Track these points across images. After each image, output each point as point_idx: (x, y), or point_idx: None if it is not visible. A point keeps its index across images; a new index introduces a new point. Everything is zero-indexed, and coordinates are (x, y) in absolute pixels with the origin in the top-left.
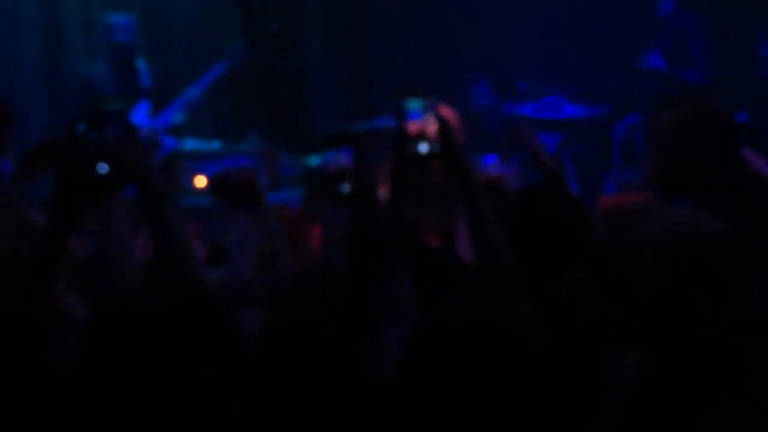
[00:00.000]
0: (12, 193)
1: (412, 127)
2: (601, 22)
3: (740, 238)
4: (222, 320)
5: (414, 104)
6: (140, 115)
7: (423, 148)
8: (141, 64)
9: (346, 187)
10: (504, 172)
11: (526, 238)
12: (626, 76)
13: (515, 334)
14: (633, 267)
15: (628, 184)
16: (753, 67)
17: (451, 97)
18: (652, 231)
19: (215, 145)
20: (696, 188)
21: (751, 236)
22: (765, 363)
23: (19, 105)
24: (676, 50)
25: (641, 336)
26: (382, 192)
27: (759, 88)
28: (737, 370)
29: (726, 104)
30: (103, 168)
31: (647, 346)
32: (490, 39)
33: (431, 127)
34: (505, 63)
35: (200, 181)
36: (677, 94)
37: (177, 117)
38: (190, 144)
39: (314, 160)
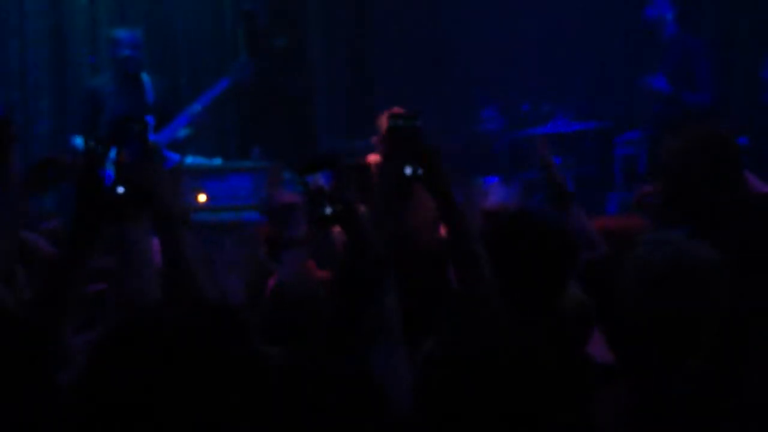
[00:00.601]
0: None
1: (314, 191)
2: (605, 44)
3: (726, 266)
4: (237, 336)
5: (310, 177)
6: None
7: (327, 210)
8: (146, 79)
9: (327, 209)
10: (506, 195)
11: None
12: (629, 96)
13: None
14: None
15: (629, 204)
16: (755, 90)
17: (456, 120)
18: (635, 254)
19: (217, 161)
20: (699, 212)
21: (750, 260)
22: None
23: (22, 117)
24: (680, 72)
25: (626, 361)
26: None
27: (761, 111)
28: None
29: (729, 128)
30: (120, 189)
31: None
32: (494, 59)
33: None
34: (509, 83)
35: (201, 198)
36: (681, 115)
37: (180, 132)
38: (192, 160)
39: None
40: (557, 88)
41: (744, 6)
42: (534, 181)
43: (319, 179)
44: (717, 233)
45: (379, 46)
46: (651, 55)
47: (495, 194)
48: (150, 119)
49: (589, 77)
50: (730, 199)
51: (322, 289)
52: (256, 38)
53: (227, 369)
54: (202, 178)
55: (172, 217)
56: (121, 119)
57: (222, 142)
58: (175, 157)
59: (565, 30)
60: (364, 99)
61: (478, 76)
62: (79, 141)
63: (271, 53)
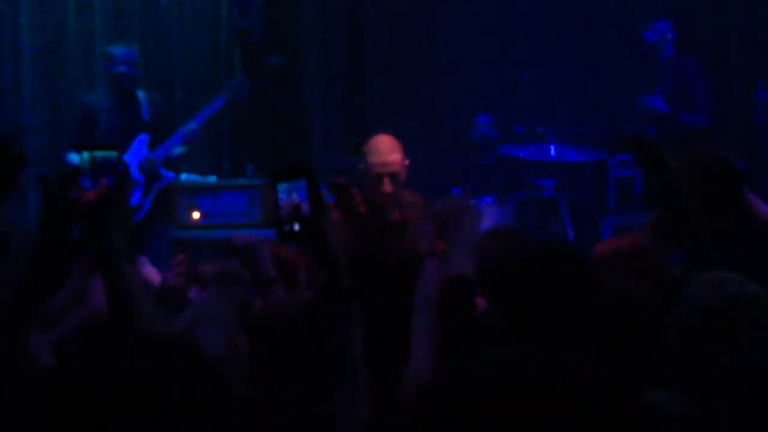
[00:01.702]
0: None
1: (285, 206)
2: (599, 65)
3: None
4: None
5: (282, 187)
6: (139, 147)
7: (295, 226)
8: (141, 95)
9: (295, 225)
10: (500, 216)
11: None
12: (623, 118)
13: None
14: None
15: (624, 228)
16: (750, 112)
17: (449, 130)
18: (688, 295)
19: (211, 179)
20: (700, 236)
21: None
22: None
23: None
24: (677, 93)
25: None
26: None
27: (755, 132)
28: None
29: (730, 150)
30: (74, 230)
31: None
32: (489, 79)
33: (300, 206)
34: (504, 103)
35: (195, 215)
36: (678, 135)
37: (175, 150)
38: (187, 177)
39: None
40: (550, 110)
41: (737, 28)
42: (526, 201)
43: (293, 191)
44: (721, 257)
45: (372, 63)
46: (646, 77)
47: (489, 215)
48: (144, 136)
49: (583, 101)
50: (732, 221)
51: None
52: (252, 57)
53: (170, 403)
54: (197, 195)
55: (110, 249)
56: (93, 147)
57: (216, 159)
58: (169, 174)
59: (560, 50)
60: (358, 117)
61: (472, 95)
62: (73, 157)
63: (266, 71)
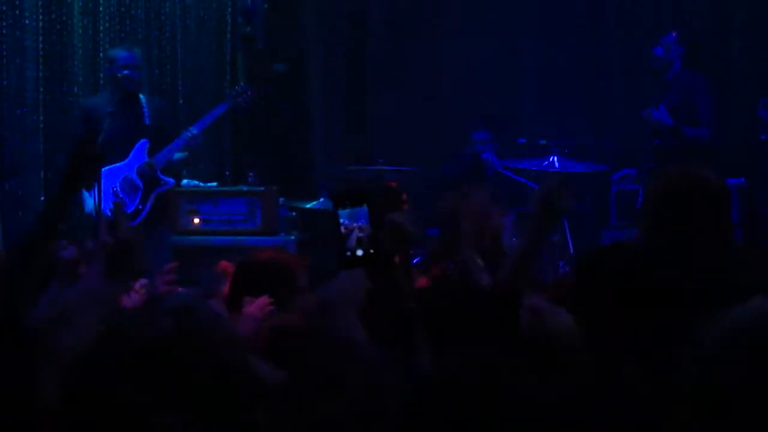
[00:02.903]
0: None
1: (345, 231)
2: (602, 80)
3: None
4: None
5: (344, 212)
6: (140, 152)
7: (359, 252)
8: (143, 100)
9: (358, 251)
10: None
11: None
12: (625, 133)
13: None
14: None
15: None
16: (753, 129)
17: (449, 144)
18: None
19: (212, 185)
20: (688, 255)
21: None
22: None
23: (18, 134)
24: (682, 107)
25: None
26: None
27: (759, 149)
28: None
29: (718, 170)
30: None
31: None
32: (491, 91)
33: (363, 231)
34: (505, 116)
35: (195, 221)
36: (682, 148)
37: (176, 155)
38: (188, 183)
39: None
40: (553, 122)
41: (740, 46)
42: (527, 214)
43: (355, 216)
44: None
45: (375, 72)
46: (651, 90)
47: None
48: (145, 141)
49: (586, 114)
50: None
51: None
52: (255, 63)
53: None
54: (197, 201)
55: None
56: None
57: (218, 166)
58: (169, 180)
59: (563, 63)
60: (360, 125)
61: (473, 106)
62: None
63: (269, 78)
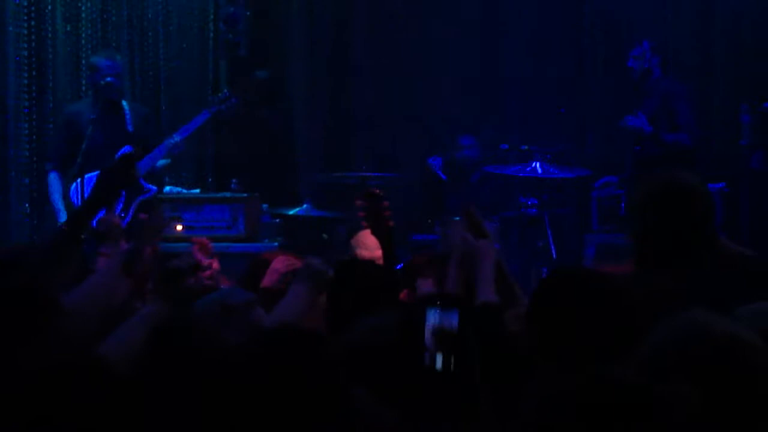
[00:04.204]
0: None
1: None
2: (584, 87)
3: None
4: None
5: (432, 312)
6: None
7: (437, 363)
8: (125, 107)
9: (438, 360)
10: None
11: None
12: (609, 138)
13: None
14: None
15: (607, 248)
16: (735, 134)
17: (433, 147)
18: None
19: (195, 192)
20: (672, 260)
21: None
22: None
23: (1, 141)
24: (661, 114)
25: None
26: None
27: (740, 153)
28: None
29: (699, 175)
30: None
31: None
32: (474, 97)
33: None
34: (488, 122)
35: (178, 228)
36: (662, 155)
37: (159, 162)
38: (171, 190)
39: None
40: (535, 129)
41: (721, 52)
42: (510, 219)
43: (443, 318)
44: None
45: (359, 78)
46: (631, 96)
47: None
48: (128, 148)
49: (568, 120)
50: (703, 248)
51: None
52: (238, 70)
53: None
54: (180, 207)
55: None
56: None
57: (201, 172)
58: (151, 188)
59: (545, 69)
60: (344, 132)
61: (457, 112)
62: (48, 165)
63: (253, 84)
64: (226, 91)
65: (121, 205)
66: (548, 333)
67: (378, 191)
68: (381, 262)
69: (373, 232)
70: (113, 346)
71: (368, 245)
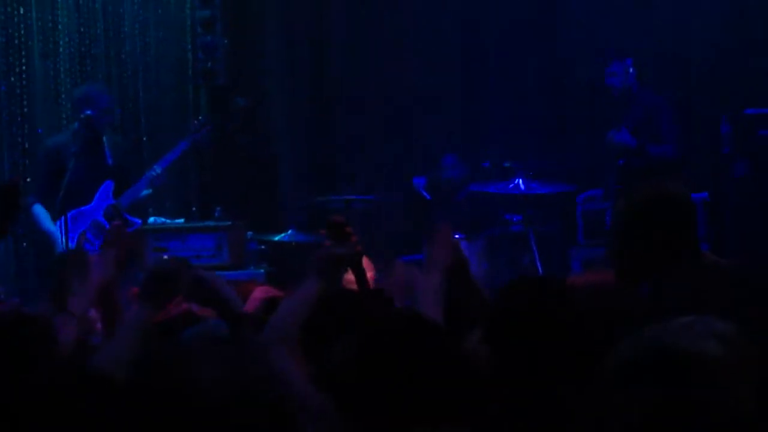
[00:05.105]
0: None
1: None
2: (566, 102)
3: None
4: None
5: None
6: (105, 194)
7: None
8: (105, 140)
9: None
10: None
11: None
12: (591, 152)
13: None
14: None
15: (593, 262)
16: (716, 144)
17: (417, 167)
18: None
19: (179, 221)
20: (655, 271)
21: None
22: None
23: None
24: (644, 127)
25: None
26: None
27: (721, 163)
28: None
29: (684, 185)
30: None
31: None
32: (455, 116)
33: None
34: (471, 140)
35: (164, 258)
36: (646, 168)
37: (142, 194)
38: (154, 220)
39: None
40: (517, 145)
41: (701, 64)
42: (495, 237)
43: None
44: (677, 292)
45: (340, 103)
46: (613, 110)
47: None
48: (109, 182)
49: (548, 135)
50: (685, 259)
51: None
52: (218, 98)
53: None
54: (165, 238)
55: None
56: None
57: (184, 202)
58: (136, 221)
59: (527, 84)
60: (327, 157)
61: (439, 129)
62: (30, 198)
63: (232, 113)
64: (201, 118)
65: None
66: (504, 346)
67: (339, 218)
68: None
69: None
70: (107, 355)
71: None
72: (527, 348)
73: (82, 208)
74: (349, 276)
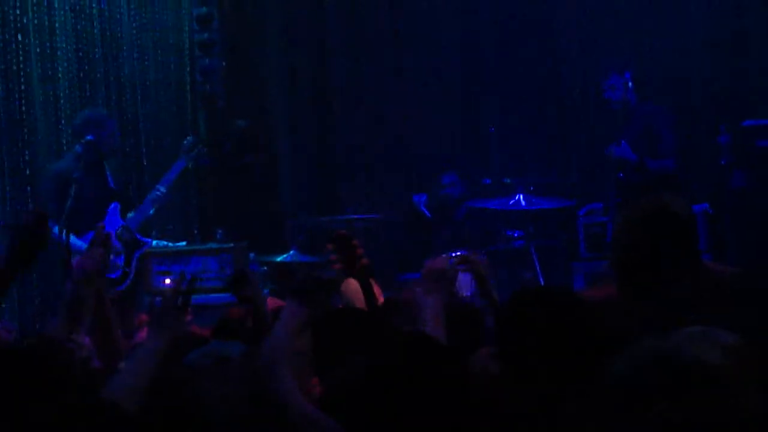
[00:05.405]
0: None
1: None
2: (567, 115)
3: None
4: None
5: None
6: (113, 216)
7: None
8: (106, 165)
9: None
10: None
11: None
12: (591, 166)
13: None
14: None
15: (595, 275)
16: (714, 155)
17: (418, 186)
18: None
19: (181, 244)
20: (656, 283)
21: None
22: None
23: None
24: (643, 139)
25: None
26: None
27: (720, 174)
28: None
29: (684, 198)
30: None
31: None
32: (455, 134)
33: None
34: (471, 157)
35: (167, 281)
36: (646, 181)
37: (149, 214)
38: (157, 243)
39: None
40: (517, 161)
41: (699, 76)
42: (497, 253)
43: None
44: (680, 304)
45: (341, 122)
46: (612, 124)
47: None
48: (116, 204)
49: (548, 150)
50: (687, 271)
51: None
52: (217, 121)
53: None
54: (168, 261)
55: None
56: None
57: (186, 224)
58: (147, 240)
59: (526, 101)
60: (327, 176)
61: (439, 149)
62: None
63: (234, 133)
64: (190, 138)
65: (123, 261)
66: (513, 353)
67: (345, 232)
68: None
69: (350, 274)
70: (118, 385)
71: (359, 296)
72: (538, 358)
73: (93, 232)
74: (356, 291)
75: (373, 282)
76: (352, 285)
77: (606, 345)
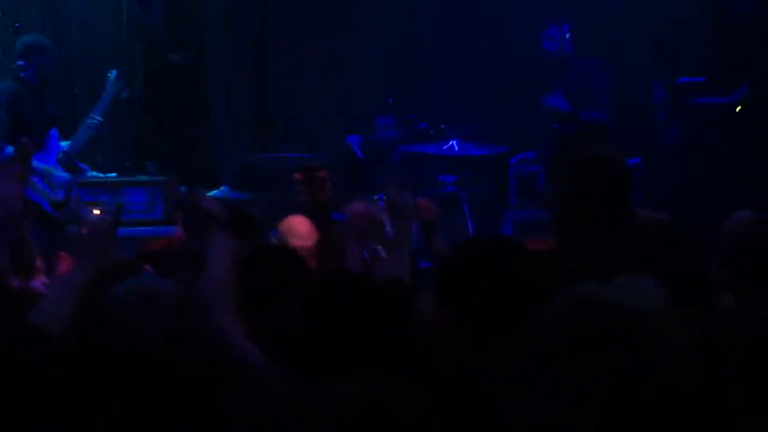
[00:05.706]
0: None
1: None
2: (501, 64)
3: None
4: None
5: None
6: (53, 141)
7: None
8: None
9: None
10: None
11: None
12: (525, 116)
13: None
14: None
15: (524, 223)
16: (648, 111)
17: (353, 127)
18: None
19: (112, 176)
20: (592, 233)
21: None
22: None
23: None
24: (578, 91)
25: None
26: None
27: (654, 129)
28: None
29: (620, 149)
30: None
31: None
32: (393, 73)
33: None
34: (407, 101)
35: (96, 212)
36: (578, 133)
37: (82, 142)
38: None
39: None
40: (453, 107)
41: (637, 30)
42: (428, 197)
43: None
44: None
45: (278, 60)
46: (549, 73)
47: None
48: (55, 130)
49: (485, 97)
50: (622, 220)
51: None
52: (154, 53)
53: None
54: (97, 192)
55: None
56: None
57: (116, 157)
58: (85, 168)
59: (465, 48)
60: (263, 114)
61: (378, 92)
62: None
63: (168, 68)
64: (113, 71)
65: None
66: (454, 303)
67: (315, 163)
68: (312, 252)
69: (311, 206)
70: (41, 312)
71: (300, 234)
72: (479, 306)
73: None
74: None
75: (308, 224)
76: (301, 228)
77: (546, 296)
